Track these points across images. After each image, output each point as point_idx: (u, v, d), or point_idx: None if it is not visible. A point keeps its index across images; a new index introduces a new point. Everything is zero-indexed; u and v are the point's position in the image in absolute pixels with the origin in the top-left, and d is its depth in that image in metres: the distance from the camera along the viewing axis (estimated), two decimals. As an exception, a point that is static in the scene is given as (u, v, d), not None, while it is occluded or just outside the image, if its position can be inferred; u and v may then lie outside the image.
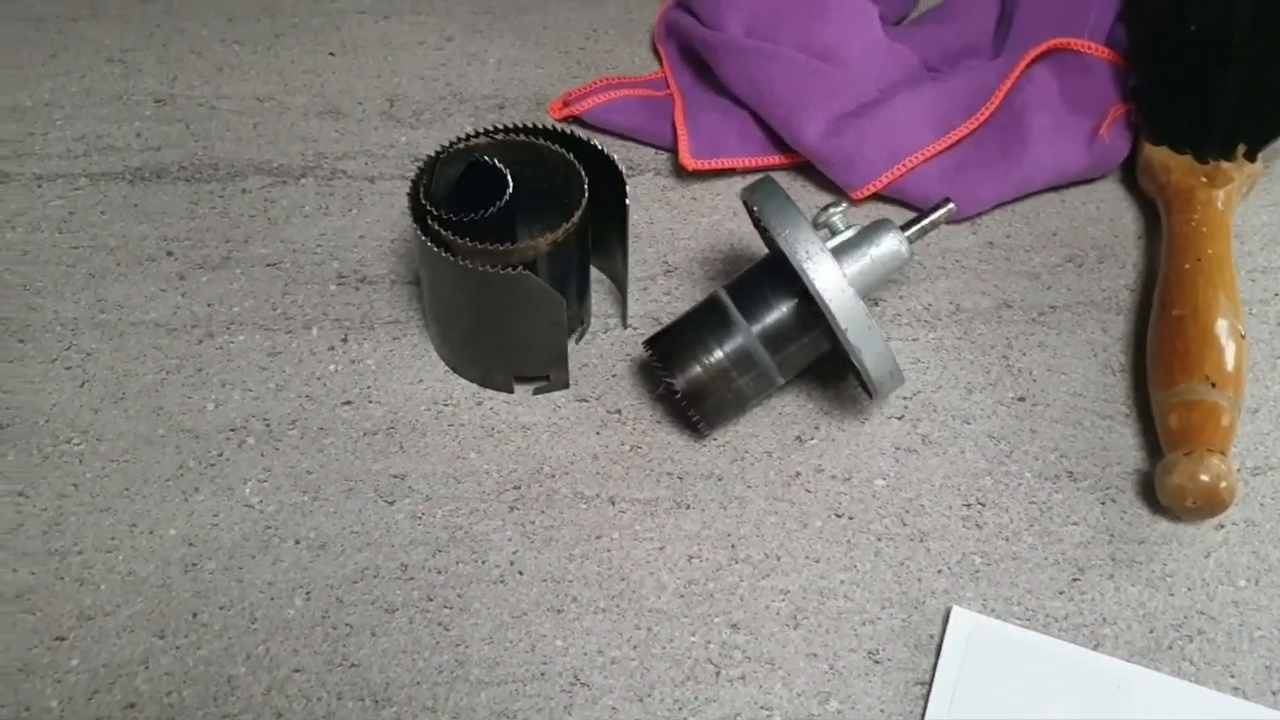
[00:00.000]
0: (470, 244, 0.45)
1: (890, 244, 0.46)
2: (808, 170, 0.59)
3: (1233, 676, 0.42)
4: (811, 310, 0.45)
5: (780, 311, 0.46)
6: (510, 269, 0.44)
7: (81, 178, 0.59)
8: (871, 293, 0.48)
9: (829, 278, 0.43)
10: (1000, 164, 0.56)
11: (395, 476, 0.47)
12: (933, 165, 0.56)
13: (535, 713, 0.41)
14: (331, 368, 0.51)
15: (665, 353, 0.47)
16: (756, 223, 0.48)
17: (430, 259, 0.46)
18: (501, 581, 0.44)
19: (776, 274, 0.46)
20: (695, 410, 0.47)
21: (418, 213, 0.47)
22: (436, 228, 0.46)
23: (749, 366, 0.46)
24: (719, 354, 0.46)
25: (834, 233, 0.47)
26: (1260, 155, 0.55)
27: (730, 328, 0.46)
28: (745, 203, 0.46)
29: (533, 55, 0.66)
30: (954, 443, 0.48)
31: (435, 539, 0.45)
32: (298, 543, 0.45)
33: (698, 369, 0.46)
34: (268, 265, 0.55)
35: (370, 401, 0.50)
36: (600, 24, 0.68)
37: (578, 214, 0.47)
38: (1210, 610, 0.44)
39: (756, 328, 0.46)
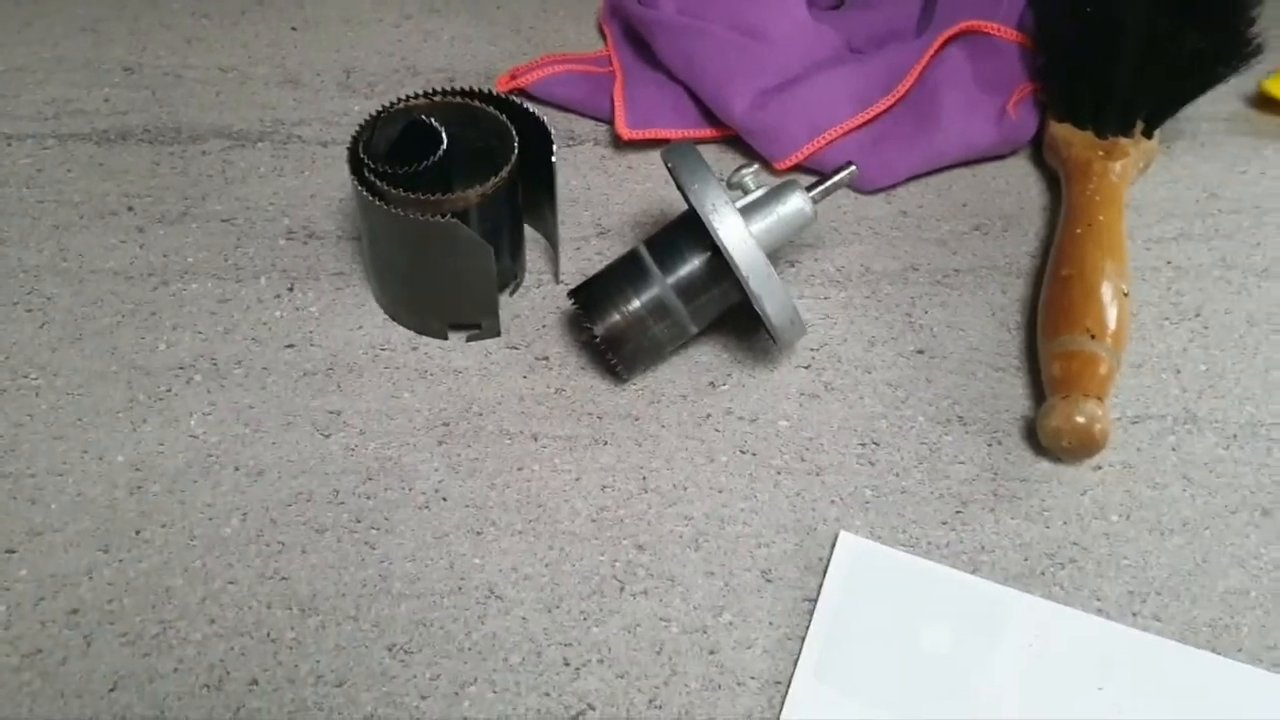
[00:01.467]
0: (404, 194, 0.48)
1: (796, 202, 0.50)
2: (736, 143, 0.62)
3: (1098, 600, 0.45)
4: (721, 263, 0.48)
5: (693, 264, 0.49)
6: (441, 217, 0.47)
7: (50, 138, 0.62)
8: (780, 248, 0.52)
9: (733, 230, 0.47)
10: (914, 138, 0.60)
11: (332, 412, 0.50)
12: (851, 139, 0.60)
13: (451, 622, 0.44)
14: (277, 314, 0.54)
15: (587, 302, 0.50)
16: (676, 182, 0.51)
17: (367, 209, 0.49)
18: (426, 507, 0.47)
19: (690, 229, 0.49)
20: (614, 355, 0.50)
21: (355, 165, 0.50)
22: (373, 179, 0.49)
23: (664, 315, 0.49)
24: (636, 303, 0.49)
25: (745, 192, 0.50)
26: (1157, 133, 0.59)
27: (647, 279, 0.49)
28: (664, 162, 0.50)
29: (485, 33, 0.70)
30: (854, 389, 0.52)
31: (366, 468, 0.49)
32: (237, 469, 0.48)
33: (616, 317, 0.49)
34: (222, 221, 0.58)
35: (312, 345, 0.53)
36: (550, 5, 0.72)
37: (506, 168, 0.50)
38: (1082, 541, 0.47)
39: (671, 279, 0.49)
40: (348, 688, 0.42)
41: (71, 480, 0.48)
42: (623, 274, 0.50)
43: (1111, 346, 0.49)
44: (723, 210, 0.47)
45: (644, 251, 0.50)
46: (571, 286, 0.54)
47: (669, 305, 0.49)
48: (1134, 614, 0.45)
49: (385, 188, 0.49)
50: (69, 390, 0.51)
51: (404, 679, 0.43)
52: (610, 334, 0.50)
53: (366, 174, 0.49)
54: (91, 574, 0.45)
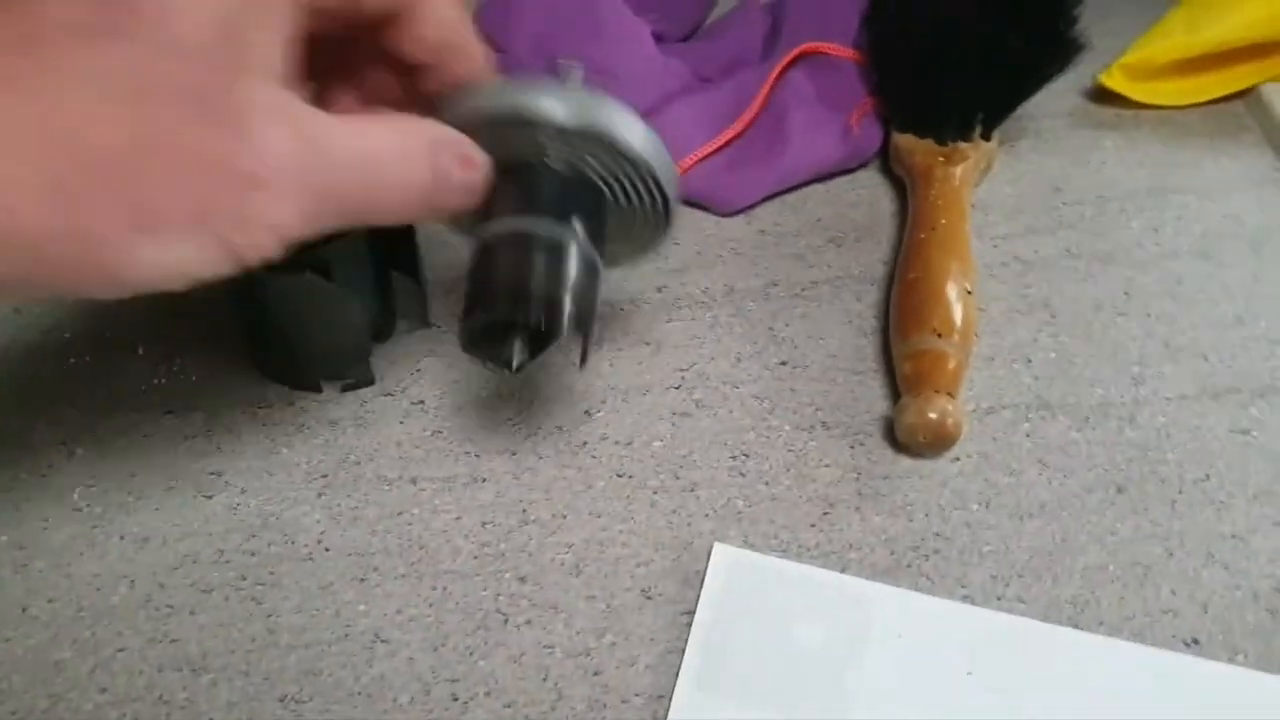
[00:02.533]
0: (264, 255, 0.49)
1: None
2: (599, 176, 0.64)
3: (963, 587, 0.47)
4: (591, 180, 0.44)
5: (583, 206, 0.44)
6: (301, 273, 0.49)
7: None
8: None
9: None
10: (767, 159, 0.62)
11: (213, 474, 0.51)
12: (707, 164, 0.62)
13: (340, 669, 0.45)
14: (156, 382, 0.55)
15: (509, 309, 0.43)
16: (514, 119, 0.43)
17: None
18: (310, 559, 0.48)
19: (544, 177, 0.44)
20: (579, 336, 0.43)
21: (217, 230, 0.51)
22: (235, 242, 0.50)
23: (593, 271, 0.44)
24: (572, 269, 0.43)
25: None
26: (996, 134, 0.62)
27: (563, 242, 0.43)
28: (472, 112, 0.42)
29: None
30: (723, 405, 0.54)
31: (249, 525, 0.49)
32: (123, 538, 0.49)
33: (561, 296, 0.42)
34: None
35: (192, 409, 0.54)
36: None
37: (364, 221, 0.51)
38: (945, 532, 0.49)
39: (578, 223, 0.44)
40: (239, 743, 0.43)
41: (-46, 565, 0.48)
42: (529, 259, 0.43)
43: (959, 343, 0.51)
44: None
45: (529, 225, 0.43)
46: (443, 329, 0.55)
47: (589, 257, 0.44)
48: (998, 598, 0.47)
49: (246, 250, 0.49)
50: (-52, 476, 0.51)
51: (296, 729, 0.43)
52: (557, 320, 0.42)
53: (227, 238, 0.50)
54: (-21, 656, 0.46)
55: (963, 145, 0.60)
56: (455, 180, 0.39)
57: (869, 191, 0.64)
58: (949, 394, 0.50)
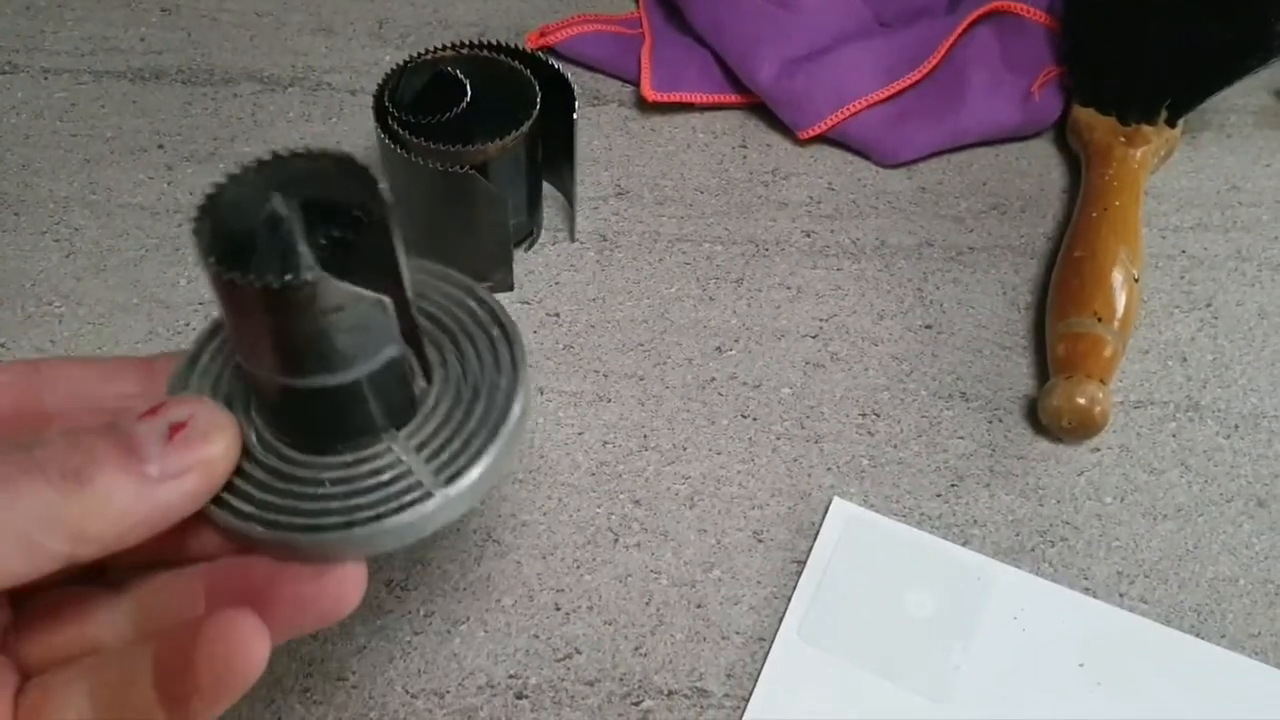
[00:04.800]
0: (425, 144, 0.49)
1: None
2: (761, 110, 0.63)
3: (1086, 579, 0.46)
4: None
5: None
6: (460, 169, 0.48)
7: (85, 74, 0.63)
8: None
9: None
10: (939, 115, 0.60)
11: (344, 354, 0.51)
12: (875, 111, 0.60)
13: (448, 562, 0.45)
14: (298, 256, 0.55)
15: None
16: None
17: (389, 157, 0.50)
18: (430, 451, 0.48)
19: None
20: None
21: (380, 113, 0.51)
22: (396, 128, 0.50)
23: None
24: None
25: None
26: (1180, 122, 0.59)
27: None
28: None
29: (518, -9, 0.70)
30: (859, 361, 0.52)
31: (374, 410, 0.50)
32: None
33: None
34: (249, 163, 0.59)
35: (330, 288, 0.54)
36: (586, -33, 0.72)
37: (527, 124, 0.51)
38: (1075, 521, 0.47)
39: None
40: (342, 621, 0.43)
41: (88, 406, 0.49)
42: None
43: (1118, 330, 0.49)
44: None
45: None
46: (586, 246, 0.54)
47: None
48: (1121, 595, 0.45)
49: (408, 137, 0.49)
50: (91, 320, 0.52)
51: (399, 614, 0.44)
52: None
53: (390, 122, 0.50)
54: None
55: (1145, 128, 0.58)
56: (173, 464, 0.27)
57: (1039, 162, 0.61)
58: (1101, 381, 0.48)
